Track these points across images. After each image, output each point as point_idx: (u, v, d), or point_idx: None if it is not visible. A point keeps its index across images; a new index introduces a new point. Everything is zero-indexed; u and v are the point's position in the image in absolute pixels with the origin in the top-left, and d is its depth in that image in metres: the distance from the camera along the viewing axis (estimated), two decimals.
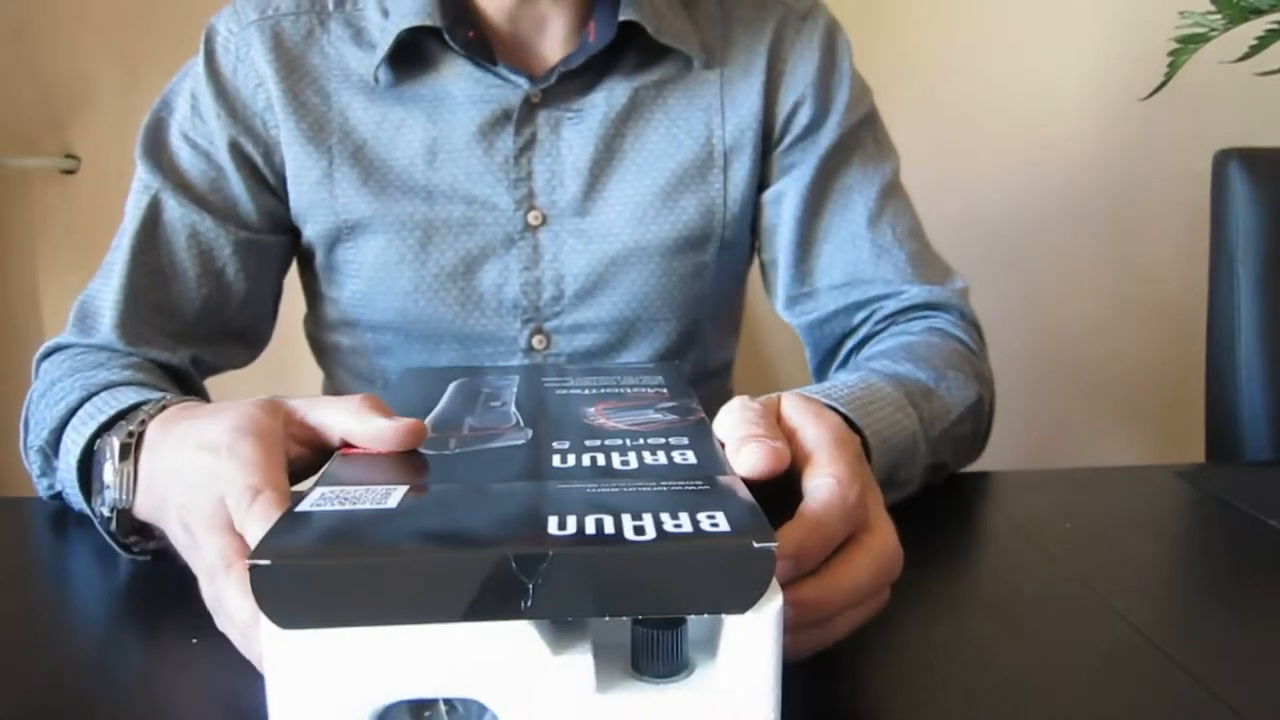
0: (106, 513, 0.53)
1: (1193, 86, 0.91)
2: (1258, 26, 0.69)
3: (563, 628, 0.33)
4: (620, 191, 0.79)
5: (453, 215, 0.78)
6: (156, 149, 0.79)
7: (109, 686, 0.45)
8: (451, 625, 0.30)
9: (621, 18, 0.75)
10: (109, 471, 0.53)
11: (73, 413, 0.60)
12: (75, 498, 0.58)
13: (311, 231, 0.80)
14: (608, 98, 0.79)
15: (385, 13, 0.78)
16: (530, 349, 0.81)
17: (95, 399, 0.59)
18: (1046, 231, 1.42)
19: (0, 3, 1.45)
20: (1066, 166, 1.41)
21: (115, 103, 1.46)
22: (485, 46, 0.77)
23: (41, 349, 0.74)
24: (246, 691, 0.45)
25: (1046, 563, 0.59)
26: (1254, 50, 0.69)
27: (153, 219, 0.77)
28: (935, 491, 0.69)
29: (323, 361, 0.93)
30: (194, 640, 0.47)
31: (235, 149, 0.78)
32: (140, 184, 0.78)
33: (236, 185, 0.79)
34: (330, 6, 0.80)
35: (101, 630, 0.51)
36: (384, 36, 0.77)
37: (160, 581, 0.56)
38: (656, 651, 0.32)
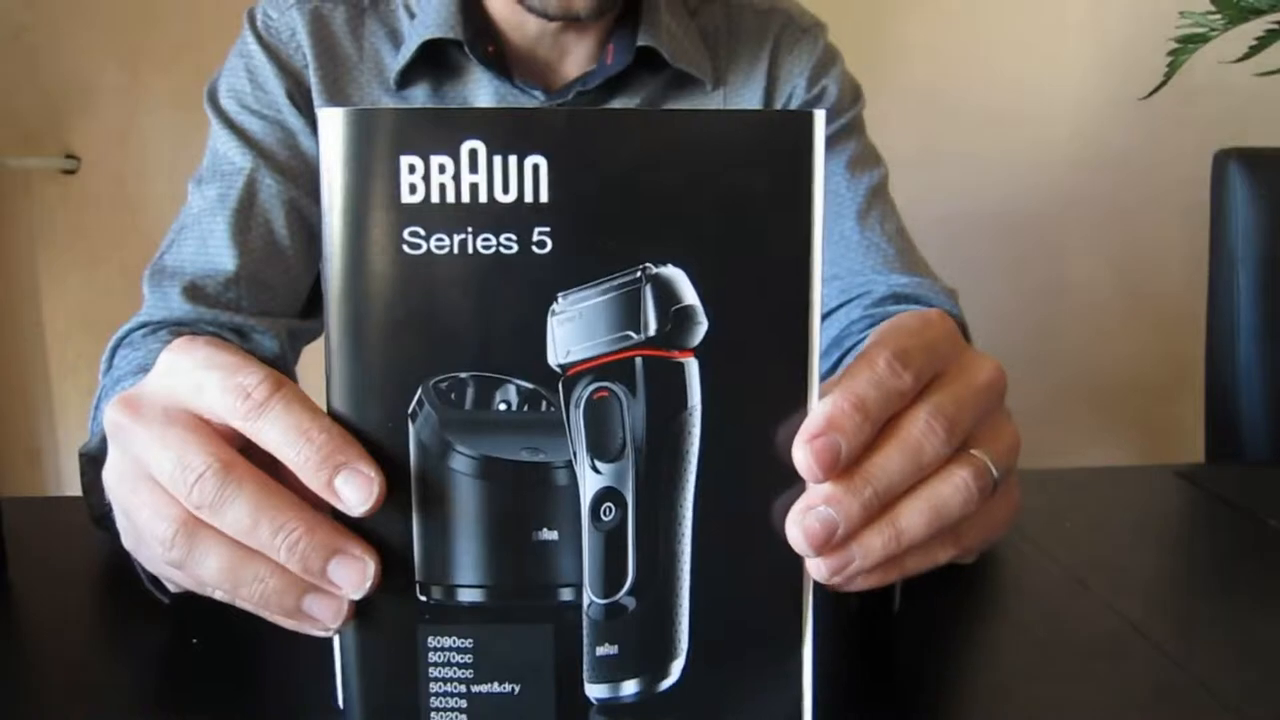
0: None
1: (1193, 86, 0.91)
2: (1258, 26, 0.68)
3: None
4: None
5: None
6: (236, 128, 0.79)
7: (109, 686, 0.45)
8: None
9: (640, 43, 0.78)
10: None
11: None
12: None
13: None
14: None
15: (411, 14, 0.81)
16: None
17: None
18: (1046, 232, 1.42)
19: (0, 3, 1.45)
20: (1066, 166, 1.41)
21: (115, 103, 1.46)
22: (503, 61, 0.80)
23: (112, 341, 0.70)
24: (246, 691, 0.45)
25: (1046, 563, 0.59)
26: (1254, 50, 0.69)
27: (249, 198, 0.76)
28: None
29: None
30: (194, 640, 0.47)
31: (298, 112, 0.79)
32: (229, 166, 0.78)
33: (311, 152, 0.79)
34: (365, 2, 0.82)
35: (102, 629, 0.51)
36: (409, 41, 0.79)
37: None
38: None
